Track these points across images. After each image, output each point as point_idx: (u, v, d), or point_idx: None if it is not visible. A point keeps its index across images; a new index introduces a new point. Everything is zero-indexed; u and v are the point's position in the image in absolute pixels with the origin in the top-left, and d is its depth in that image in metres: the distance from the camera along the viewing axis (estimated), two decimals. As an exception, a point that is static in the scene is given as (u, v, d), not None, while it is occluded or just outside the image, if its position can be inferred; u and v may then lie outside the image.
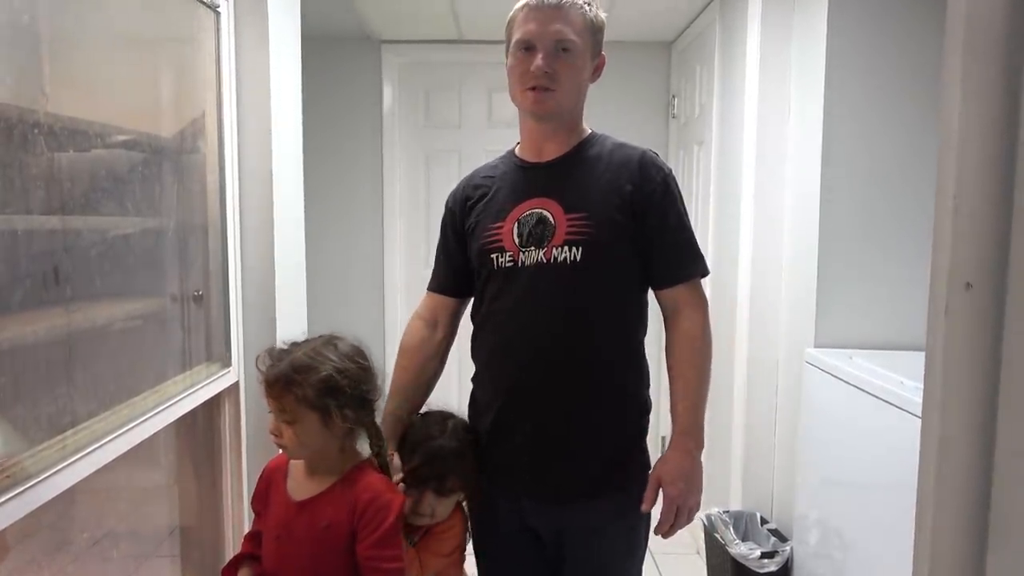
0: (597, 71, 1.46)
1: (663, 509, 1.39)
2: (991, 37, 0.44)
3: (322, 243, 3.29)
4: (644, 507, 1.40)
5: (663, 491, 1.39)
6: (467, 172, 1.58)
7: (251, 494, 1.52)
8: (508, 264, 1.40)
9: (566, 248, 1.36)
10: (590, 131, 1.50)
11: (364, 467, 1.40)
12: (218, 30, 1.80)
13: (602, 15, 1.43)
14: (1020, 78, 0.43)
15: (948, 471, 0.49)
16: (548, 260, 1.37)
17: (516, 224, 1.41)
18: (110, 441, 1.34)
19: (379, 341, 3.68)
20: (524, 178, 1.46)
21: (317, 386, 1.31)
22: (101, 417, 1.36)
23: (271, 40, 1.90)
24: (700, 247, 1.47)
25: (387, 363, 4.19)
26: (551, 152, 1.45)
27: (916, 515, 0.55)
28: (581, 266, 1.36)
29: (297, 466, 1.43)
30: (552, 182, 1.42)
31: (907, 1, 2.05)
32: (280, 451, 1.42)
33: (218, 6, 1.77)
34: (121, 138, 1.52)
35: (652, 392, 1.50)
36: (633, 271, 1.42)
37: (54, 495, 1.18)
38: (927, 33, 2.05)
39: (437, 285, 1.58)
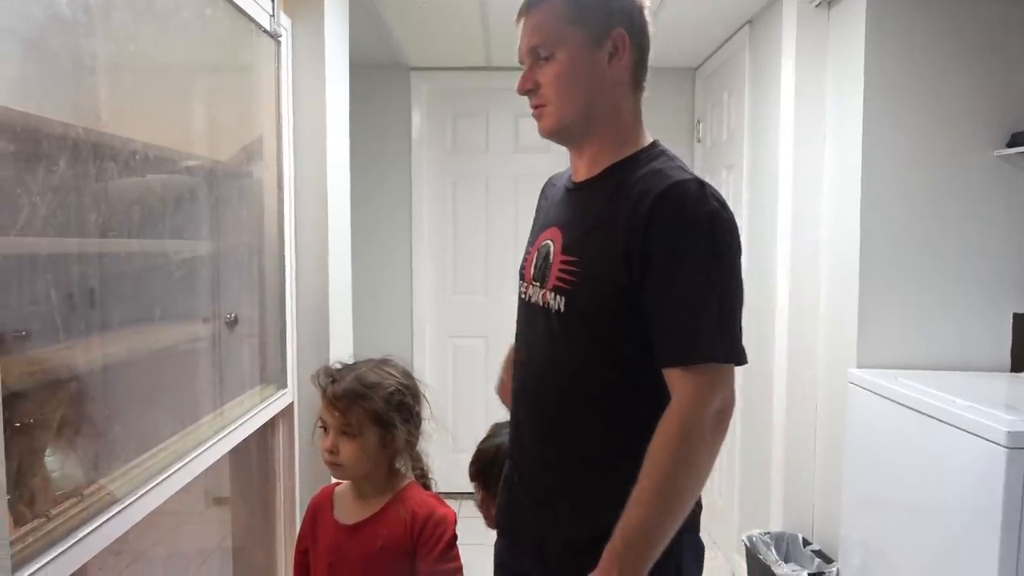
0: (616, 53, 1.14)
1: None
2: None
3: (353, 266, 3.31)
4: None
5: None
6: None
7: (303, 514, 1.51)
8: (522, 296, 1.26)
9: (553, 294, 1.15)
10: (641, 147, 1.18)
11: (412, 486, 1.42)
12: (279, 57, 1.84)
13: None
14: None
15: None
16: (543, 303, 1.18)
17: (536, 252, 1.24)
18: (186, 464, 1.34)
19: (407, 365, 3.68)
20: (559, 199, 1.27)
21: (386, 400, 1.35)
22: (170, 441, 1.36)
23: (327, 67, 1.94)
24: (725, 324, 1.06)
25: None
26: (582, 173, 1.21)
27: None
28: (564, 317, 1.13)
29: (343, 494, 1.44)
30: (565, 211, 1.22)
31: (946, 23, 2.09)
32: (331, 479, 1.42)
33: (279, 35, 1.81)
34: (184, 163, 1.54)
35: None
36: (625, 334, 1.11)
37: (135, 521, 1.17)
38: (965, 56, 2.09)
39: None
